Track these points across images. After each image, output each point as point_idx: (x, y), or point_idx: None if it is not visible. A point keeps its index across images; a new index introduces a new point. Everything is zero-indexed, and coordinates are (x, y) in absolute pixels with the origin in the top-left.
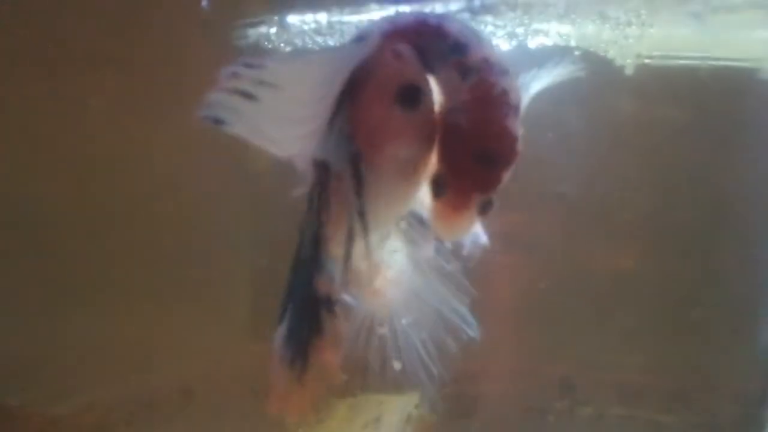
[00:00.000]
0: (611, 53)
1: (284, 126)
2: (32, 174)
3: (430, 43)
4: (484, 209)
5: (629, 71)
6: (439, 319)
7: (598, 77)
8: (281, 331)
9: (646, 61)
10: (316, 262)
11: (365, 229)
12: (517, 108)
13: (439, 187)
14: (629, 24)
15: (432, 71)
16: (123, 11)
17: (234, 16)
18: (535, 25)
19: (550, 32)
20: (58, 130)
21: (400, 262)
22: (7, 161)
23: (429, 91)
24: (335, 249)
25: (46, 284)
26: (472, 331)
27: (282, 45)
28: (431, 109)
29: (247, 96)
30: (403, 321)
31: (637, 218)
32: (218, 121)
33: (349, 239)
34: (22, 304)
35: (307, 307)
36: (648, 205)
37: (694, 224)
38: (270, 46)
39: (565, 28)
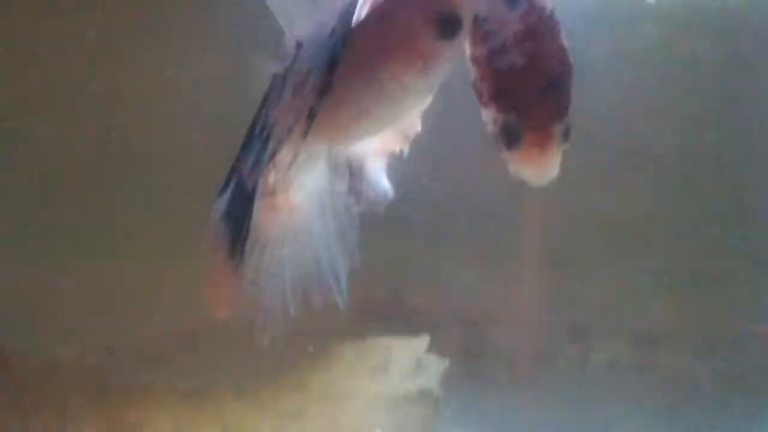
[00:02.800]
0: None
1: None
2: (36, 112)
3: None
4: (566, 136)
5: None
6: (315, 268)
7: (621, 5)
8: (221, 201)
9: None
10: (261, 142)
11: (301, 135)
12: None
13: (511, 136)
14: None
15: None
16: None
17: None
18: None
19: None
20: (50, 70)
21: (309, 192)
22: (13, 100)
23: (461, 34)
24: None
25: (47, 227)
26: (340, 297)
27: None
28: (453, 47)
29: None
30: (283, 250)
31: (659, 155)
32: None
33: (281, 134)
34: (23, 247)
35: (242, 187)
36: (672, 141)
37: (721, 159)
38: None
39: None
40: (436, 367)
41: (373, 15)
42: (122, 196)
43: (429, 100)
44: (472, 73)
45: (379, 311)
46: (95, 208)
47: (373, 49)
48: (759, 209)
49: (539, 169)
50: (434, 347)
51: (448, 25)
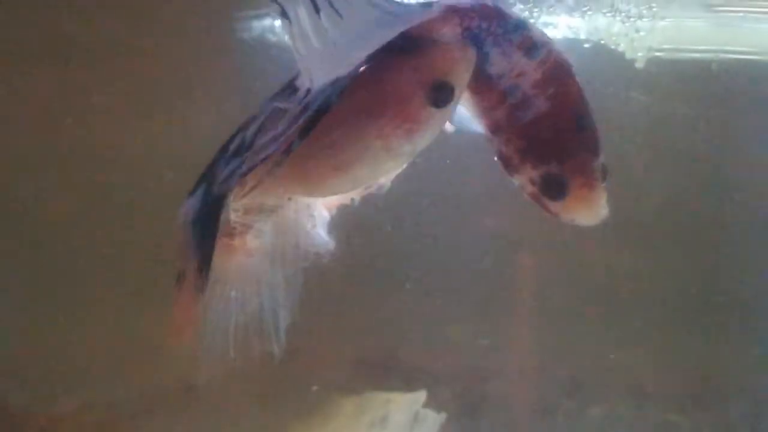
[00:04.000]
0: (622, 46)
1: (329, 48)
2: (35, 170)
3: (492, 24)
4: (605, 172)
5: (640, 65)
6: (258, 315)
7: (608, 71)
8: (188, 206)
9: (658, 54)
10: (238, 159)
11: (274, 167)
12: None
13: (556, 186)
14: (640, 16)
15: (486, 63)
16: (126, 3)
17: (238, 8)
18: (545, 18)
19: (560, 25)
20: (62, 124)
21: (264, 240)
22: (9, 156)
23: (453, 107)
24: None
25: (46, 282)
26: (278, 347)
27: (286, 38)
28: (442, 115)
29: (316, 7)
30: (232, 293)
31: (647, 215)
32: (283, 13)
33: (258, 157)
34: (22, 303)
35: (210, 196)
36: (658, 202)
37: (706, 221)
38: (274, 39)
39: (575, 21)
40: (433, 421)
41: (371, 72)
42: (117, 251)
43: (405, 164)
44: (494, 145)
45: (376, 367)
46: (92, 264)
47: (365, 106)
48: (745, 265)
49: (591, 209)
50: (431, 402)
51: (441, 93)
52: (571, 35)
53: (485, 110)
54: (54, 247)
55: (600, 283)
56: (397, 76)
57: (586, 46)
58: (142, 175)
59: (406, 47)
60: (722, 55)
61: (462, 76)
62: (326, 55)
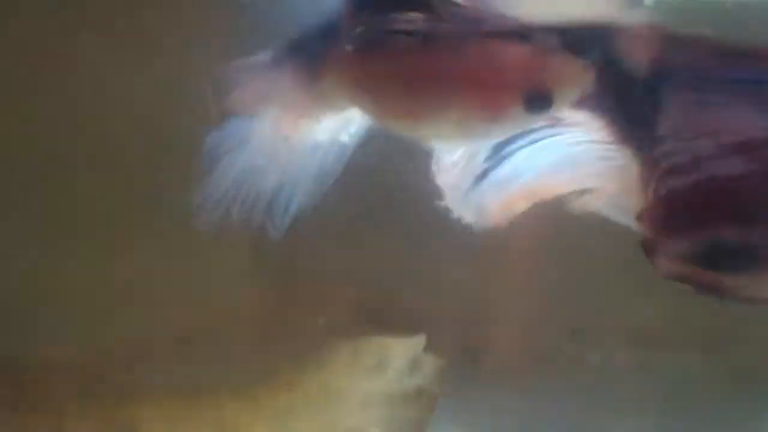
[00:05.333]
0: None
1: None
2: (25, 118)
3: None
4: None
5: (648, 2)
6: (272, 193)
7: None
8: None
9: None
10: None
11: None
12: None
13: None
14: None
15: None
16: None
17: None
18: None
19: None
20: (51, 72)
21: (317, 136)
22: (9, 102)
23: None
24: None
25: (38, 228)
26: (275, 229)
27: None
28: (529, 120)
29: None
30: (263, 160)
31: None
32: None
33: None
34: (13, 249)
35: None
36: None
37: None
38: None
39: None
40: (432, 366)
41: (491, 40)
42: (115, 196)
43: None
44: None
45: (374, 310)
46: (88, 209)
47: (465, 72)
48: None
49: None
50: (431, 346)
51: (539, 101)
52: None
53: (647, 180)
54: (47, 190)
55: (604, 228)
56: (508, 60)
57: None
58: (138, 123)
59: (532, 36)
60: None
61: (568, 94)
62: None
